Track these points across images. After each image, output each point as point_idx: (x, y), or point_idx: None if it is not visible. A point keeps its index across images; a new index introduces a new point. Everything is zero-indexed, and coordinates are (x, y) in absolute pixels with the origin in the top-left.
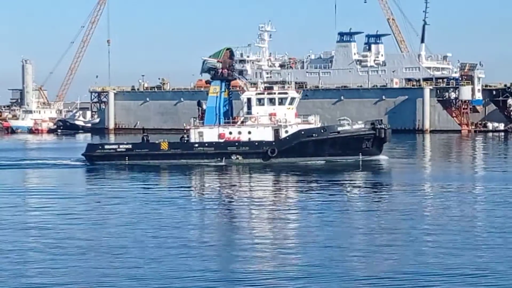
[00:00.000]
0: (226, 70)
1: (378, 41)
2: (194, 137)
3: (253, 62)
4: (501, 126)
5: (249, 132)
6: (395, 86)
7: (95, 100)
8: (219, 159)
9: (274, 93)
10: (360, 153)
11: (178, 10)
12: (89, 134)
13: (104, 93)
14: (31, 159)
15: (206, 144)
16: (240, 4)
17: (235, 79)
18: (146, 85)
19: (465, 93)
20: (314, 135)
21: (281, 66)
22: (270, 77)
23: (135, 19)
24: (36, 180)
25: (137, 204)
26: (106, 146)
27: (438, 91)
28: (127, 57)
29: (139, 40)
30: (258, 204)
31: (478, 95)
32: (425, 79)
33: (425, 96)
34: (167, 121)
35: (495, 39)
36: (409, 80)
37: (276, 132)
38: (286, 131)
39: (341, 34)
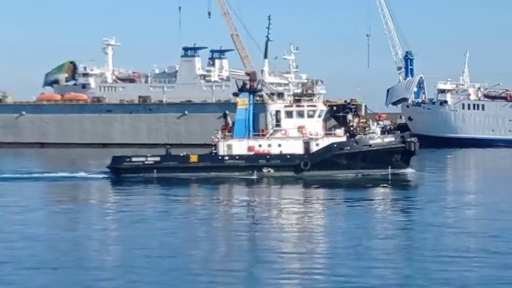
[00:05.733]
0: (253, 82)
1: (222, 57)
2: (222, 149)
3: (97, 76)
4: None
5: (279, 145)
6: None
7: None
8: (250, 172)
9: (303, 106)
10: (390, 167)
11: (20, 22)
12: None
13: None
14: None
15: (237, 157)
16: (83, 18)
17: (261, 91)
18: None
19: None
20: (346, 148)
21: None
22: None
23: None
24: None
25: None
26: (134, 159)
27: None
28: None
29: None
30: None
31: None
32: (268, 95)
33: (267, 111)
34: (8, 135)
35: (335, 57)
36: None
37: (307, 145)
38: (317, 144)
39: (186, 49)
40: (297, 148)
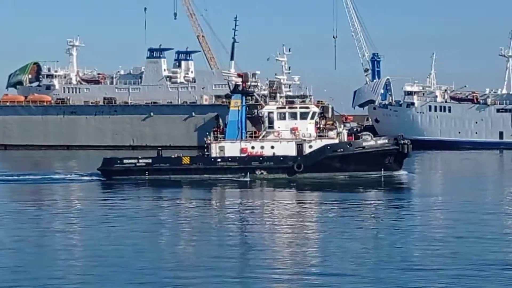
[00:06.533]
0: (246, 83)
1: (188, 58)
2: (215, 151)
3: (61, 77)
4: None
5: (272, 147)
6: (204, 102)
7: None
8: (243, 174)
9: (296, 108)
10: (382, 169)
11: None
12: None
13: None
14: None
15: (229, 159)
16: (47, 18)
17: (253, 92)
18: None
19: None
20: (340, 150)
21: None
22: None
23: None
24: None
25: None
26: (125, 161)
27: (247, 108)
28: None
29: None
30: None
31: None
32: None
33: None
34: None
35: (301, 58)
36: (218, 97)
37: (299, 147)
38: (310, 146)
39: (151, 50)
40: (290, 150)
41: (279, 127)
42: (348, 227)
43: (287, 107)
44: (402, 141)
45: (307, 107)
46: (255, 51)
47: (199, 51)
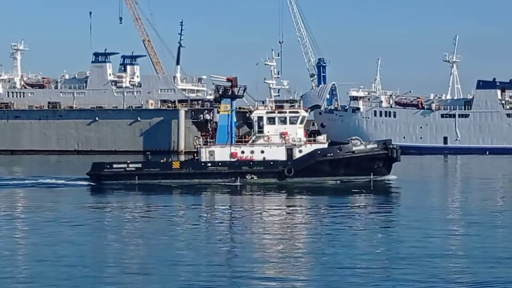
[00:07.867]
0: (235, 88)
1: (133, 62)
2: (205, 156)
3: (5, 81)
4: None
5: (262, 152)
6: (150, 107)
7: None
8: (233, 178)
9: (285, 112)
10: (372, 173)
11: None
12: None
13: None
14: None
15: (220, 164)
16: None
17: (243, 97)
18: None
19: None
20: (329, 154)
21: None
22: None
23: None
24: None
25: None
26: (115, 165)
27: (193, 112)
28: None
29: None
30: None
31: None
32: (180, 101)
33: (180, 117)
34: None
35: (248, 63)
36: (164, 101)
37: (289, 151)
38: (300, 151)
39: (96, 55)
40: (280, 154)
41: (268, 132)
42: (337, 232)
43: (276, 111)
44: (390, 146)
45: (297, 112)
46: (201, 56)
47: (145, 56)
